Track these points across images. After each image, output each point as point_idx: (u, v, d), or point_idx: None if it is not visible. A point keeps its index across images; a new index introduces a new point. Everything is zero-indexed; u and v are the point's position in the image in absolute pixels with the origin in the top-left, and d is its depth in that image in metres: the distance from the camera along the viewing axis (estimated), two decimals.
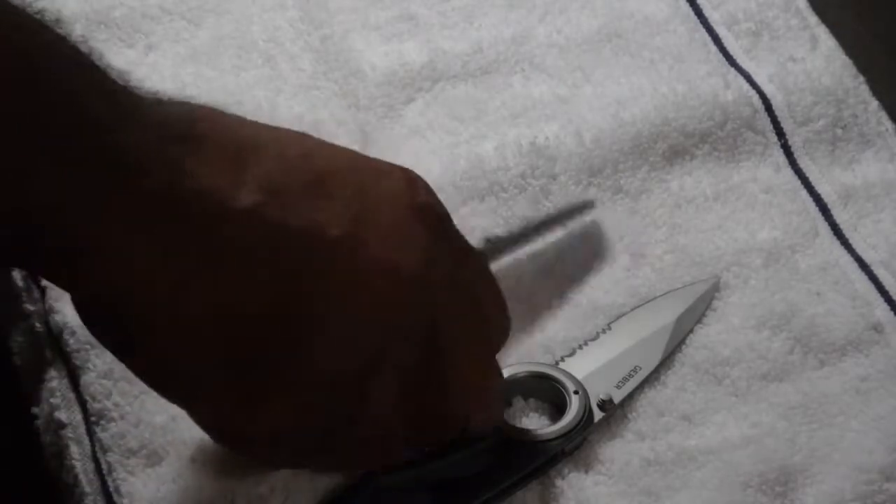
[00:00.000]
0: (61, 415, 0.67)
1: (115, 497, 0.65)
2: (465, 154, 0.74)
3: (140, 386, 0.67)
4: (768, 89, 0.77)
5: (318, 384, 0.54)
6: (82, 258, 0.50)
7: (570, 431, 0.65)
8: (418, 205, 0.55)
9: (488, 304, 0.60)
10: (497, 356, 0.62)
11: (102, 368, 0.67)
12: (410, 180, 0.56)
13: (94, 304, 0.52)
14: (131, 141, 0.49)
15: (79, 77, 0.49)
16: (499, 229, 0.71)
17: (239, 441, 0.58)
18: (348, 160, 0.55)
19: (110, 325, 0.52)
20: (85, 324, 0.53)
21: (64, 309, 0.69)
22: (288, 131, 0.55)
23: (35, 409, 0.69)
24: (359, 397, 0.55)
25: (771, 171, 0.75)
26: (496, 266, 0.70)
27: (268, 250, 0.51)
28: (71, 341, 0.68)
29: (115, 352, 0.54)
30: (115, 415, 0.66)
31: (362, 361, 0.54)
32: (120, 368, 0.67)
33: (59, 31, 0.50)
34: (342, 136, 0.75)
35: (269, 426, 0.55)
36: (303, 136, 0.55)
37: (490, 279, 0.60)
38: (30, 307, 0.70)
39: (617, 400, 0.67)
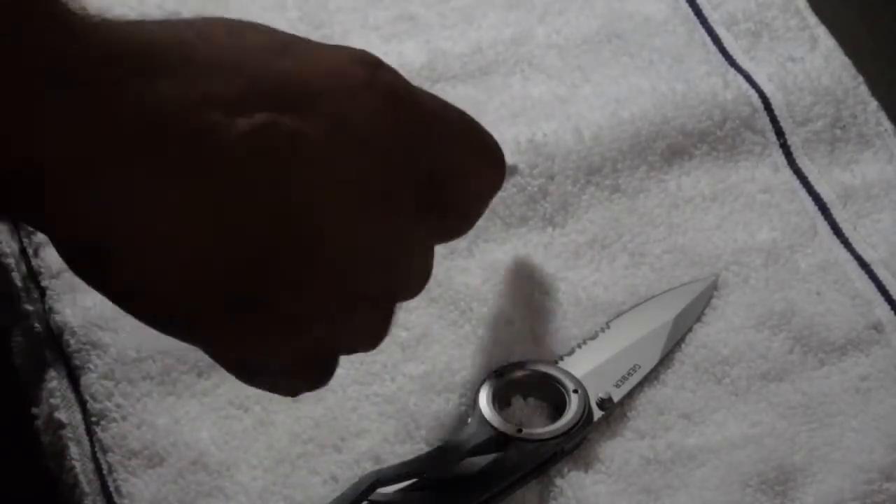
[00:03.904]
0: (61, 415, 0.67)
1: (116, 497, 0.65)
2: None
3: (142, 387, 0.67)
4: (768, 88, 0.77)
5: (334, 293, 0.53)
6: (64, 192, 0.48)
7: (569, 430, 0.65)
8: (387, 86, 0.54)
9: (477, 144, 0.59)
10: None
11: (103, 369, 0.67)
12: (368, 62, 0.55)
13: (80, 246, 0.50)
14: (101, 75, 0.48)
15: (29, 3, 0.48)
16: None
17: (258, 368, 0.56)
18: (299, 56, 0.53)
19: (101, 268, 0.51)
20: (73, 269, 0.52)
21: (64, 309, 0.69)
22: (233, 34, 0.52)
23: (35, 410, 0.69)
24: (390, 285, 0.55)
25: (769, 170, 0.75)
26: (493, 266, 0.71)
27: (256, 168, 0.50)
28: (71, 342, 0.68)
29: (108, 294, 0.53)
30: (116, 415, 0.66)
31: (378, 254, 0.54)
32: (121, 369, 0.67)
33: None
34: None
35: (295, 348, 0.54)
36: (250, 36, 0.53)
37: (471, 123, 0.59)
38: (30, 307, 0.70)
39: (616, 399, 0.67)
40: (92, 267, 0.51)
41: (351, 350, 0.57)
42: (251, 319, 0.52)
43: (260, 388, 0.58)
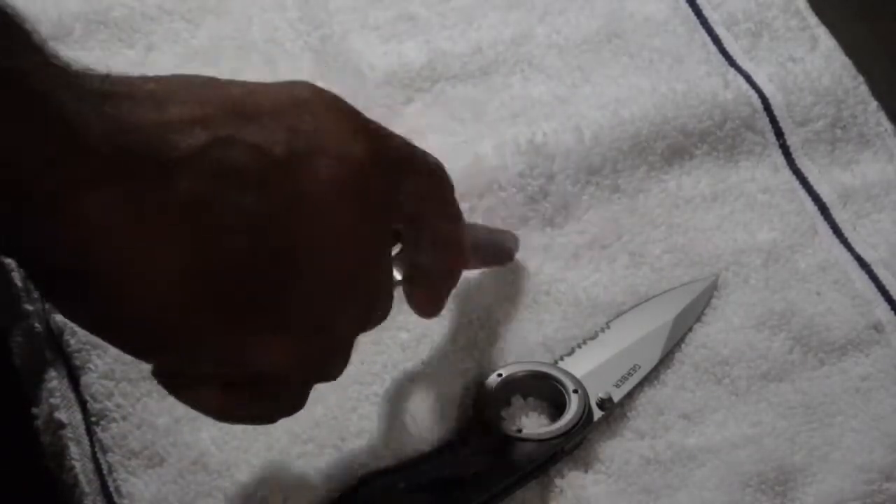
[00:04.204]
0: (61, 415, 0.67)
1: (116, 497, 0.65)
2: (463, 153, 0.74)
3: (142, 387, 0.67)
4: (768, 89, 0.77)
5: (313, 310, 0.54)
6: (44, 221, 0.49)
7: (569, 430, 0.65)
8: (332, 103, 0.55)
9: (426, 166, 0.60)
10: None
11: (103, 369, 0.67)
12: (312, 86, 0.56)
13: (59, 274, 0.51)
14: (65, 101, 0.49)
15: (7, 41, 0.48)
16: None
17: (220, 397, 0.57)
18: (248, 86, 0.55)
19: (79, 294, 0.51)
20: (51, 300, 0.52)
21: None
22: (183, 76, 0.54)
23: (35, 410, 0.69)
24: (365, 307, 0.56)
25: (769, 171, 0.75)
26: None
27: (224, 186, 0.51)
28: (71, 341, 0.68)
29: (85, 321, 0.53)
30: (116, 415, 0.66)
31: (353, 266, 0.54)
32: (121, 369, 0.67)
33: None
34: None
35: (269, 364, 0.54)
36: (198, 77, 0.55)
37: (405, 145, 0.60)
38: (30, 307, 0.70)
39: (616, 399, 0.67)
40: (70, 294, 0.51)
41: (319, 371, 0.57)
42: (228, 339, 0.52)
43: (239, 418, 0.58)
